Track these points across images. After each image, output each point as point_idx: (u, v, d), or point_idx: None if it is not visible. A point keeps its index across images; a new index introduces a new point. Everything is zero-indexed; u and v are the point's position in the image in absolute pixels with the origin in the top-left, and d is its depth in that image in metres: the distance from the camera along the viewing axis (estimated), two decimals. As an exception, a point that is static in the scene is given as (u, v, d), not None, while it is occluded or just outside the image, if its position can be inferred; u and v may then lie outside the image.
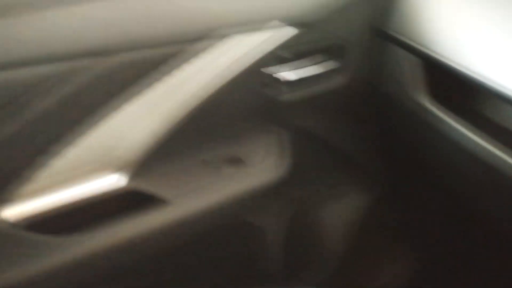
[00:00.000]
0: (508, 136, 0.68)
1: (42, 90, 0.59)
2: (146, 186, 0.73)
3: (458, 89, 0.73)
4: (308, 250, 1.01)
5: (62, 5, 0.59)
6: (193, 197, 0.75)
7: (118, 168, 0.71)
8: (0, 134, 0.59)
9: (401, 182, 1.02)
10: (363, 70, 0.85)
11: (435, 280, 1.04)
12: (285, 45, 0.74)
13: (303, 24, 0.74)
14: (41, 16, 0.58)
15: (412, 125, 0.84)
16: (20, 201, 0.65)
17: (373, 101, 0.88)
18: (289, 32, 0.74)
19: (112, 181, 0.71)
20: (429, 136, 0.80)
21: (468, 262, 1.00)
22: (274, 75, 0.77)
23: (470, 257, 0.99)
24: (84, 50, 0.60)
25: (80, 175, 0.68)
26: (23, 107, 0.59)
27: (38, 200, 0.66)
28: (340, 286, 1.03)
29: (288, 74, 0.78)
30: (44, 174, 0.65)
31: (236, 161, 0.79)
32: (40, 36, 0.58)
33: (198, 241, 0.81)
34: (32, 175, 0.64)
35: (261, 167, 0.80)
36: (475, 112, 0.73)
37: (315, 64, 0.80)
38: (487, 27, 0.69)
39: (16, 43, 0.57)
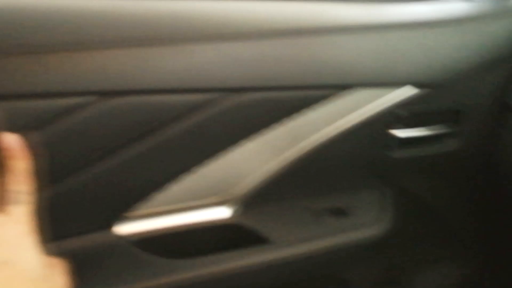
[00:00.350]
0: None
1: (175, 117, 0.63)
2: (251, 222, 0.74)
3: None
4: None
5: (205, 41, 0.63)
6: (292, 241, 0.75)
7: (227, 201, 0.73)
8: (129, 153, 0.62)
9: (502, 258, 0.97)
10: (479, 138, 0.82)
11: None
12: (404, 104, 0.74)
13: (424, 85, 0.74)
14: (184, 49, 0.62)
15: None
16: (136, 219, 0.68)
17: (485, 170, 0.85)
18: (409, 91, 0.74)
19: (220, 213, 0.73)
20: None
21: None
22: (388, 132, 0.77)
23: None
24: (217, 85, 0.63)
25: (192, 203, 0.71)
26: (154, 131, 0.62)
27: (151, 220, 0.69)
28: None
29: (402, 132, 0.78)
30: (161, 197, 0.68)
31: (338, 212, 0.79)
32: (181, 68, 0.62)
33: (288, 285, 0.80)
34: (151, 196, 0.67)
35: (361, 221, 0.79)
36: None
37: (430, 125, 0.79)
38: None
39: (161, 72, 0.61)
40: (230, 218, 0.73)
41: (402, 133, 0.77)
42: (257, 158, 0.71)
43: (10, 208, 0.51)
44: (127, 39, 0.58)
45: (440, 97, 0.76)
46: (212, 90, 0.63)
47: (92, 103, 0.57)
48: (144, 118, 0.61)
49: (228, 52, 0.63)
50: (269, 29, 0.65)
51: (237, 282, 0.74)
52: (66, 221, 0.63)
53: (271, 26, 0.65)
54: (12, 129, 0.55)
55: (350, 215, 0.79)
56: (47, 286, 0.50)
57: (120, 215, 0.67)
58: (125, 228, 0.68)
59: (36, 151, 0.56)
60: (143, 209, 0.68)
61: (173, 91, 0.61)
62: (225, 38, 0.63)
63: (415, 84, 0.73)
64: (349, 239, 0.78)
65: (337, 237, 0.77)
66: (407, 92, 0.74)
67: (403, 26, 0.72)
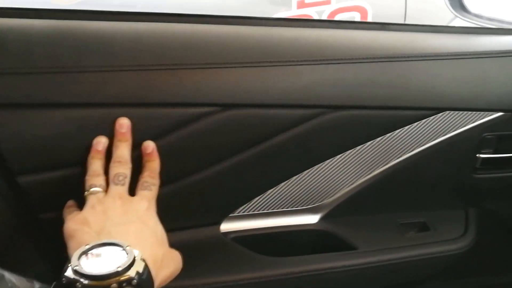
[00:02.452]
0: None
1: (282, 129, 0.70)
2: (337, 229, 0.81)
3: None
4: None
5: (311, 64, 0.70)
6: (375, 249, 0.80)
7: (318, 208, 0.80)
8: (240, 159, 0.70)
9: None
10: None
11: None
12: (492, 128, 0.78)
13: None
14: (293, 70, 0.69)
15: None
16: (238, 219, 0.76)
17: None
18: (498, 116, 0.77)
19: (310, 219, 0.80)
20: None
21: None
22: (475, 154, 0.80)
23: None
24: (320, 102, 0.70)
25: (287, 208, 0.78)
26: (263, 140, 0.70)
27: (250, 221, 0.77)
28: None
29: (487, 154, 0.81)
30: (261, 200, 0.75)
31: (421, 226, 0.83)
32: (290, 86, 0.69)
33: None
34: (251, 199, 0.75)
35: (444, 237, 0.83)
36: None
37: None
38: None
39: (273, 89, 0.68)
40: (319, 225, 0.80)
41: (487, 155, 0.81)
42: (349, 171, 0.77)
43: (141, 192, 0.63)
44: (248, 61, 0.66)
45: None
46: (315, 107, 0.70)
47: (215, 113, 0.66)
48: (255, 128, 0.69)
49: (331, 74, 0.70)
50: (368, 54, 0.71)
51: (320, 283, 0.80)
52: (181, 215, 0.72)
53: (371, 52, 0.71)
54: (147, 134, 0.64)
55: (432, 230, 0.84)
56: (165, 248, 0.59)
57: (226, 214, 0.75)
58: (229, 226, 0.76)
59: (163, 154, 0.65)
60: (245, 210, 0.76)
61: (282, 106, 0.69)
62: (329, 61, 0.70)
63: (505, 109, 0.77)
64: (430, 252, 0.82)
65: (419, 249, 0.81)
66: (496, 117, 0.77)
67: (494, 55, 0.76)
